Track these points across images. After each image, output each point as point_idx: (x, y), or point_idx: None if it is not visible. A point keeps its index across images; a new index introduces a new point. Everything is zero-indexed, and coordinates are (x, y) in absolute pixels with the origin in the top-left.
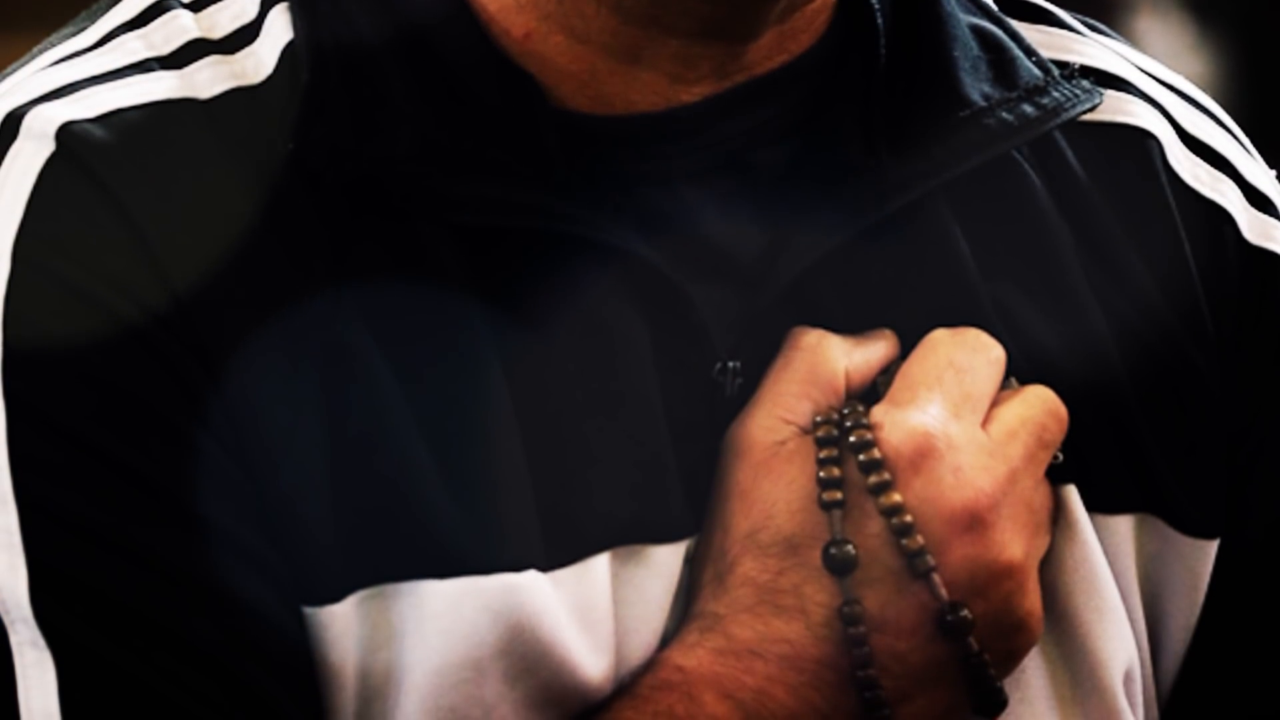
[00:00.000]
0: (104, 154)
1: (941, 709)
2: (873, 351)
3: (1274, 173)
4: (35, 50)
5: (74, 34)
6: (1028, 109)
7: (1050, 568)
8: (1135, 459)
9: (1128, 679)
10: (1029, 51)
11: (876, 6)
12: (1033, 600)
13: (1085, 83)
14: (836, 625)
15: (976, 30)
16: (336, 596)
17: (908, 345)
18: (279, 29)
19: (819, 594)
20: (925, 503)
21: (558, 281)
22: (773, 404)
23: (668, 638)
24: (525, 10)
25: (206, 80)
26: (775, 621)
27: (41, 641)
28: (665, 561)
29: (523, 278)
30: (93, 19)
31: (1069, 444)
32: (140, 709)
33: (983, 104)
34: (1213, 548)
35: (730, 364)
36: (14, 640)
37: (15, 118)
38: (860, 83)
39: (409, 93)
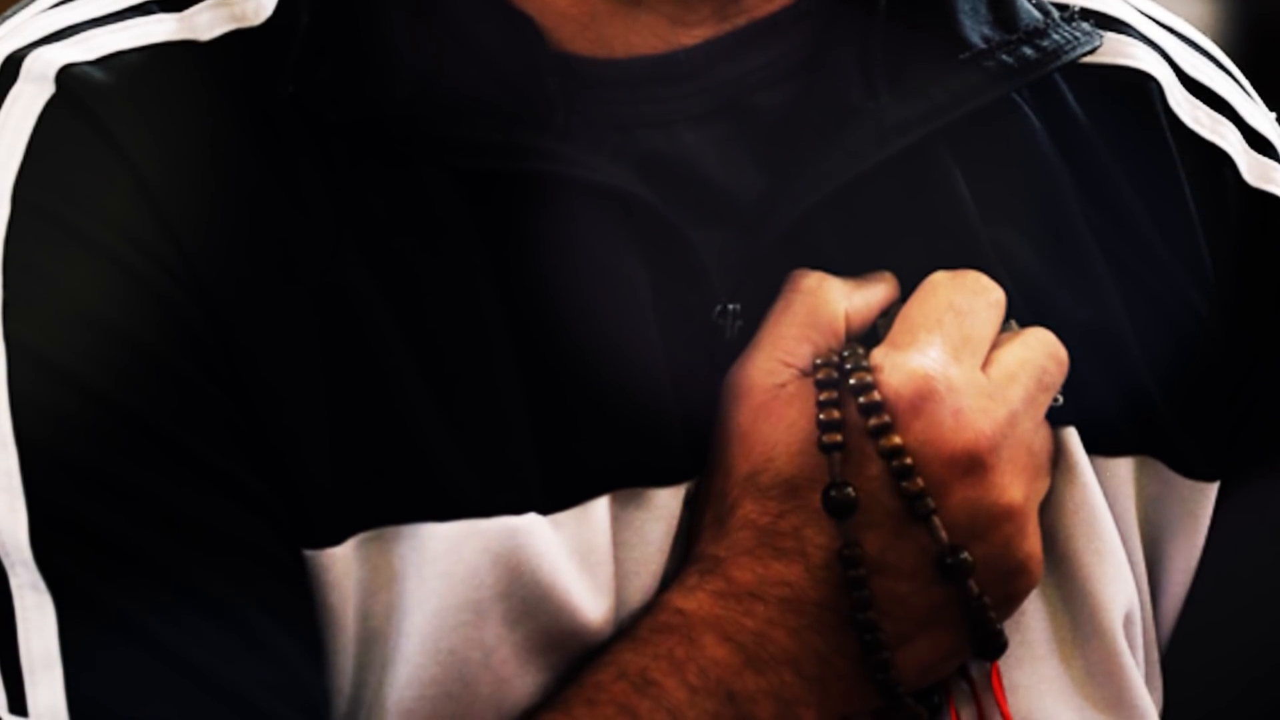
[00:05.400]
0: (104, 96)
1: (942, 652)
2: (873, 294)
3: (1274, 115)
4: None
5: None
6: (1027, 51)
7: (1050, 511)
8: (1135, 401)
9: (1128, 622)
10: None
11: None
12: (1033, 543)
13: (1085, 25)
14: (836, 568)
15: None
16: (336, 539)
17: (908, 288)
18: None
19: (819, 536)
20: (925, 445)
21: (557, 224)
22: (773, 347)
23: (668, 580)
24: None
25: (206, 23)
26: (775, 564)
27: (42, 584)
28: (665, 504)
29: (522, 221)
30: None
31: (1069, 386)
32: (140, 652)
33: (982, 46)
34: (1213, 490)
35: (730, 307)
36: (14, 583)
37: (15, 60)
38: (860, 25)
39: (409, 35)
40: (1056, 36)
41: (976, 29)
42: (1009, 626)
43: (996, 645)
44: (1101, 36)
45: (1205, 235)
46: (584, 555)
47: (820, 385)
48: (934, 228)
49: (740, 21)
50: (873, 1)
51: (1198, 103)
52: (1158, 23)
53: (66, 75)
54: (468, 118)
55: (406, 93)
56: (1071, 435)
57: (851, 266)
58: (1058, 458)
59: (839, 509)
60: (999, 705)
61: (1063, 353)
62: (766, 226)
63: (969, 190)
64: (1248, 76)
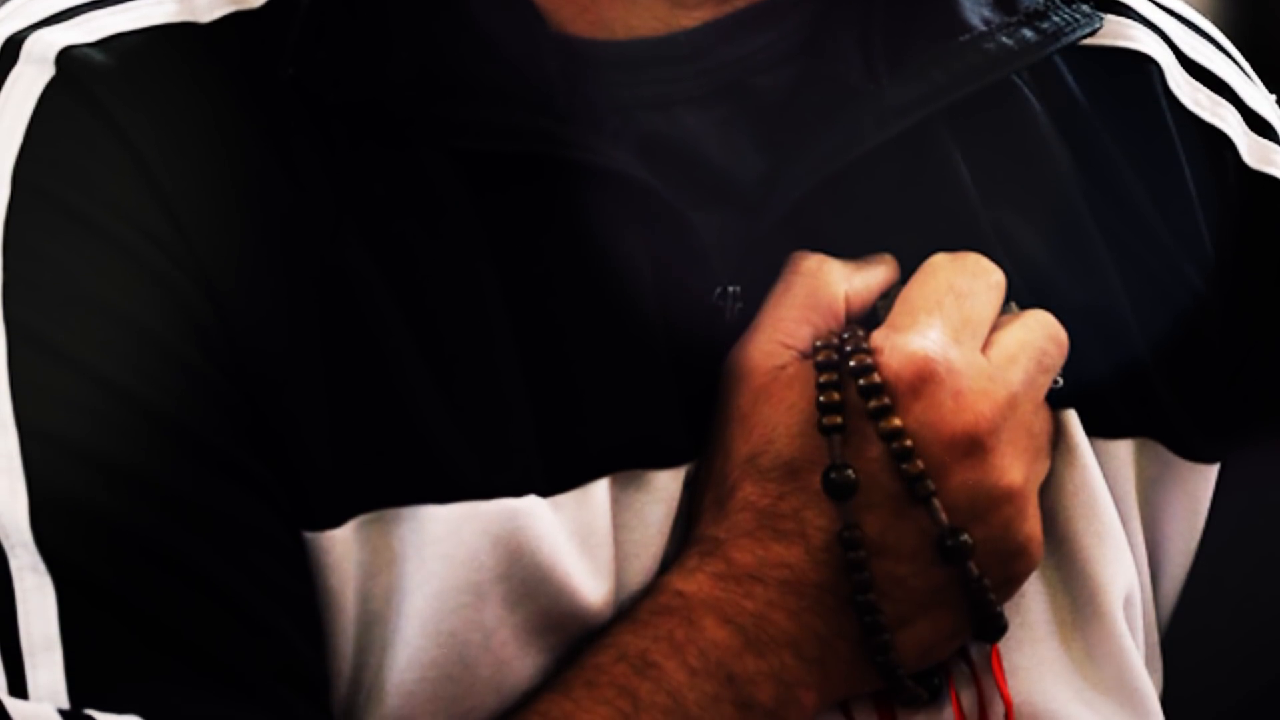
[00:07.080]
0: (104, 78)
1: (942, 633)
2: (873, 276)
3: (1274, 98)
4: None
5: None
6: (1028, 33)
7: (1050, 493)
8: (1135, 383)
9: (1127, 604)
10: None
11: None
12: (1032, 525)
13: (1085, 7)
14: (836, 550)
15: None
16: (336, 521)
17: (908, 270)
18: None
19: (819, 518)
20: (925, 427)
21: (558, 206)
22: (773, 328)
23: (668, 562)
24: None
25: (206, 4)
26: (775, 546)
27: (42, 566)
28: (665, 486)
29: (523, 202)
30: None
31: (1069, 368)
32: (140, 634)
33: (983, 28)
34: (1213, 472)
35: (730, 289)
36: (14, 565)
37: (15, 42)
38: (860, 7)
39: (409, 17)
40: (1057, 18)
41: (976, 11)
42: (1009, 608)
43: (996, 627)
44: (1102, 18)
45: (1205, 217)
46: (584, 537)
47: (820, 367)
48: (934, 210)
49: (740, 4)
50: None
51: (1198, 85)
52: (1158, 5)
53: (66, 57)
54: (468, 100)
55: (406, 74)
56: (1071, 417)
57: (851, 248)
58: (1058, 440)
59: (839, 491)
60: (999, 687)
61: (1063, 335)
62: (767, 208)
63: (969, 172)
64: (1247, 59)
